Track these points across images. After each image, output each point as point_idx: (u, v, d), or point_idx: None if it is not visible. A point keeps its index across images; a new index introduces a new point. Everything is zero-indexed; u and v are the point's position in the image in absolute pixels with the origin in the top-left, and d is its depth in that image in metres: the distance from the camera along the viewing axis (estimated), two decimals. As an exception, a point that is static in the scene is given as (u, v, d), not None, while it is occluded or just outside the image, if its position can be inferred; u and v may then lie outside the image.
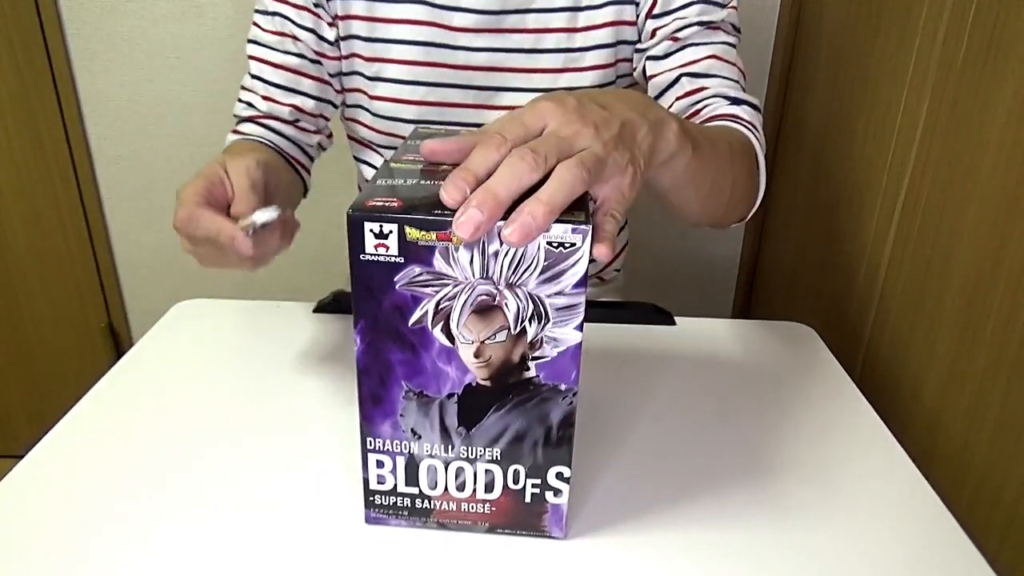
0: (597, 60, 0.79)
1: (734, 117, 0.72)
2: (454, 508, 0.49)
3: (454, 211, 0.40)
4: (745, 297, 1.55)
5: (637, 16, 0.78)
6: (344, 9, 0.78)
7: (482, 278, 0.42)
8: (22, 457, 0.57)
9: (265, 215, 0.54)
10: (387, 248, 0.41)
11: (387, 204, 0.41)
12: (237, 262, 0.57)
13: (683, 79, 0.75)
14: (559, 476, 0.48)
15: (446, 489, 0.49)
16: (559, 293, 0.42)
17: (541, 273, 0.42)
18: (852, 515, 0.53)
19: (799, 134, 1.27)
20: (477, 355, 0.44)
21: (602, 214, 0.44)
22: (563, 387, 0.45)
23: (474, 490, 0.49)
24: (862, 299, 0.96)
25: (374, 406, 0.47)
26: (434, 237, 0.41)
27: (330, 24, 0.79)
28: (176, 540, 0.49)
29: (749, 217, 0.73)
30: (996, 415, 0.68)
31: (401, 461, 0.48)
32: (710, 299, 1.59)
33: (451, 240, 0.41)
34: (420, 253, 0.41)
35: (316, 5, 0.78)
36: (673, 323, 0.79)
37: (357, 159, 0.91)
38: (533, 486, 0.48)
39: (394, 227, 0.41)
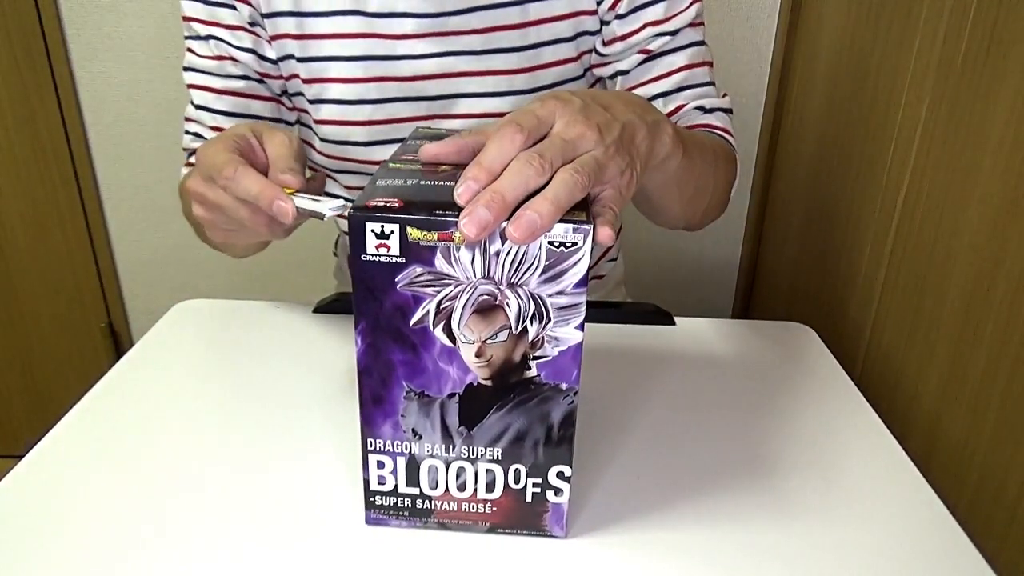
0: (556, 56, 0.74)
1: (708, 127, 0.73)
2: (455, 508, 0.49)
3: (456, 211, 0.40)
4: (745, 297, 1.55)
5: (598, 4, 0.73)
6: (273, 28, 0.72)
7: (483, 278, 0.42)
8: (22, 457, 0.57)
9: (335, 208, 0.48)
10: (388, 248, 0.41)
11: (388, 204, 0.41)
12: (258, 234, 0.52)
13: (659, 100, 0.73)
14: (560, 475, 0.48)
15: (447, 489, 0.49)
16: (560, 293, 0.43)
17: (542, 273, 0.42)
18: (852, 515, 0.53)
19: (799, 134, 1.27)
20: (478, 355, 0.44)
21: (600, 205, 0.44)
22: (564, 386, 0.45)
23: (475, 490, 0.49)
24: (862, 299, 0.96)
25: (375, 406, 0.47)
26: (436, 237, 0.41)
27: (269, 41, 0.73)
28: (176, 541, 0.49)
29: (714, 220, 0.75)
30: (996, 415, 0.68)
31: (402, 462, 0.48)
32: (710, 299, 1.59)
33: (453, 240, 0.41)
34: (422, 253, 0.41)
35: (252, 24, 0.72)
36: (673, 323, 0.79)
37: (325, 194, 0.85)
38: (534, 485, 0.48)
39: (395, 227, 0.41)
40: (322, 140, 0.76)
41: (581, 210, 0.42)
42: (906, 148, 0.86)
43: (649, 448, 0.60)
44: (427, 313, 0.43)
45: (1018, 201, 0.66)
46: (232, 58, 0.73)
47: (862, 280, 0.96)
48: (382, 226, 0.41)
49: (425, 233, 0.41)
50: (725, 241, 1.53)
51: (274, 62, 0.74)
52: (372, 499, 0.50)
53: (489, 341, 0.44)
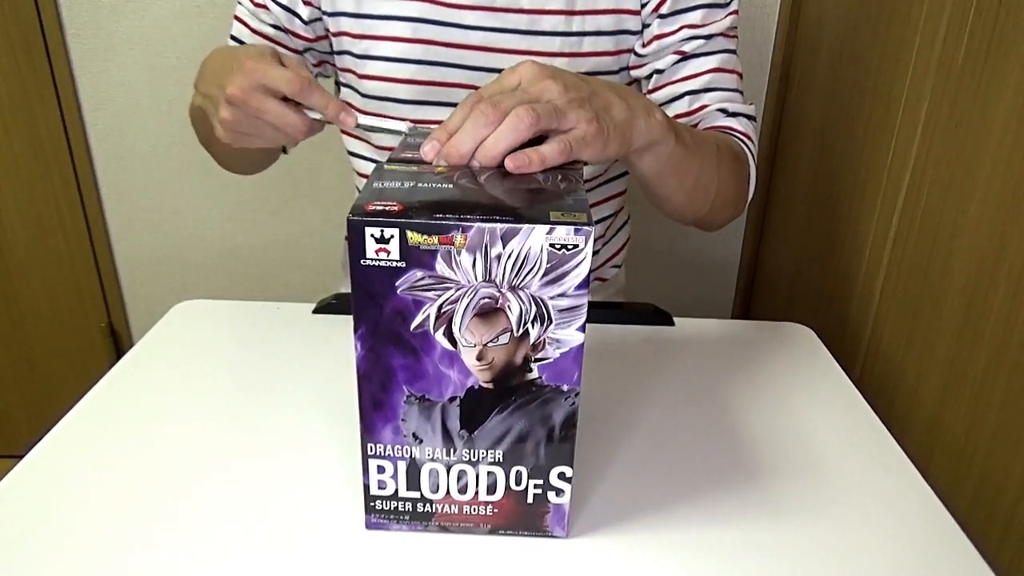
0: (596, 47, 0.77)
1: (729, 129, 0.75)
2: (456, 511, 0.49)
3: (456, 214, 0.40)
4: (744, 298, 1.55)
5: (642, 7, 0.77)
6: None
7: (485, 281, 0.42)
8: (22, 457, 0.57)
9: (406, 128, 0.56)
10: (388, 253, 0.41)
11: (388, 208, 0.41)
12: (286, 136, 0.59)
13: (685, 97, 0.76)
14: (561, 476, 0.48)
15: (448, 492, 0.49)
16: (562, 295, 0.42)
17: (544, 275, 0.42)
18: (852, 515, 0.53)
19: (799, 134, 1.27)
20: (480, 358, 0.44)
21: (555, 139, 0.48)
22: (565, 388, 0.45)
23: (476, 492, 0.49)
24: (861, 300, 0.96)
25: (375, 411, 0.46)
26: (436, 241, 0.40)
27: (305, 2, 0.77)
28: (175, 543, 0.49)
29: (731, 220, 0.76)
30: (996, 415, 0.68)
31: (402, 466, 0.48)
32: (709, 300, 1.59)
33: (453, 244, 0.41)
34: (422, 257, 0.41)
35: None
36: (672, 324, 0.79)
37: (349, 153, 0.90)
38: (535, 487, 0.48)
39: (395, 231, 0.40)
40: (364, 96, 0.80)
41: (582, 211, 0.42)
42: (906, 148, 0.86)
43: (649, 448, 0.60)
44: (428, 317, 0.43)
45: (1018, 201, 0.66)
46: (265, 7, 0.79)
47: (862, 280, 0.96)
48: (382, 230, 0.40)
49: (426, 237, 0.40)
50: (725, 241, 1.53)
51: (306, 22, 0.79)
52: (372, 504, 0.49)
53: (490, 344, 0.44)
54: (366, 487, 0.49)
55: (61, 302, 1.57)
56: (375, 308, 0.43)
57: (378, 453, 0.47)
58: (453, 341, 0.44)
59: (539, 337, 0.44)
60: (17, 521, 0.51)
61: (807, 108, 1.23)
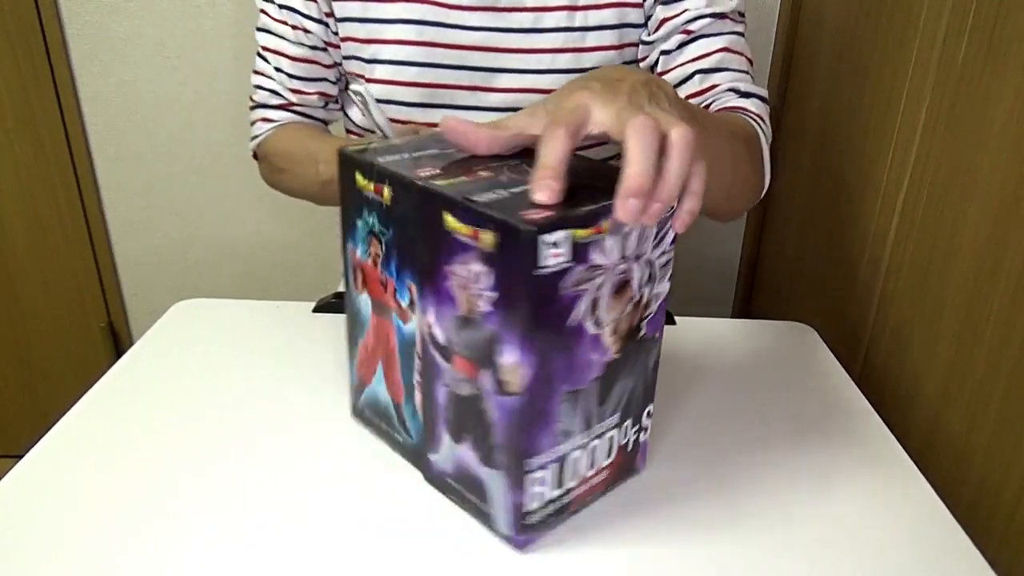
0: (599, 41, 0.78)
1: (743, 110, 0.73)
2: (584, 489, 0.49)
3: (598, 201, 0.41)
4: (745, 297, 1.55)
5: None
6: None
7: (621, 259, 0.43)
8: (22, 457, 0.57)
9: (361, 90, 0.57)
10: (560, 256, 0.40)
11: (547, 216, 0.39)
12: None
13: (696, 76, 0.75)
14: (648, 414, 0.51)
15: (583, 475, 0.49)
16: (663, 252, 0.45)
17: (654, 237, 0.44)
18: (852, 514, 0.53)
19: (799, 134, 1.27)
20: (614, 332, 0.46)
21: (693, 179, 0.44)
22: (657, 335, 0.48)
23: (595, 461, 0.49)
24: (862, 299, 0.96)
25: (538, 423, 0.44)
26: (593, 231, 0.41)
27: (327, 14, 0.79)
28: (176, 542, 0.49)
29: (747, 209, 0.75)
30: (996, 415, 0.68)
31: (554, 468, 0.46)
32: (710, 298, 1.59)
33: (603, 231, 0.41)
34: (583, 251, 0.41)
35: None
36: (673, 323, 0.79)
37: None
38: (634, 433, 0.50)
39: (565, 232, 0.40)
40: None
41: None
42: (906, 148, 0.86)
43: (650, 447, 0.60)
44: (581, 309, 0.43)
45: (1018, 201, 0.66)
46: (305, 29, 0.80)
47: (862, 280, 0.97)
48: (554, 235, 0.39)
49: (587, 231, 0.41)
50: (725, 240, 1.53)
51: (336, 32, 0.80)
52: (525, 519, 0.46)
53: (622, 315, 0.45)
54: (518, 507, 0.46)
55: (61, 302, 1.57)
56: (546, 314, 0.41)
57: (536, 466, 0.45)
58: (596, 323, 0.44)
59: (648, 296, 0.46)
60: (17, 521, 0.51)
61: (807, 108, 1.23)
